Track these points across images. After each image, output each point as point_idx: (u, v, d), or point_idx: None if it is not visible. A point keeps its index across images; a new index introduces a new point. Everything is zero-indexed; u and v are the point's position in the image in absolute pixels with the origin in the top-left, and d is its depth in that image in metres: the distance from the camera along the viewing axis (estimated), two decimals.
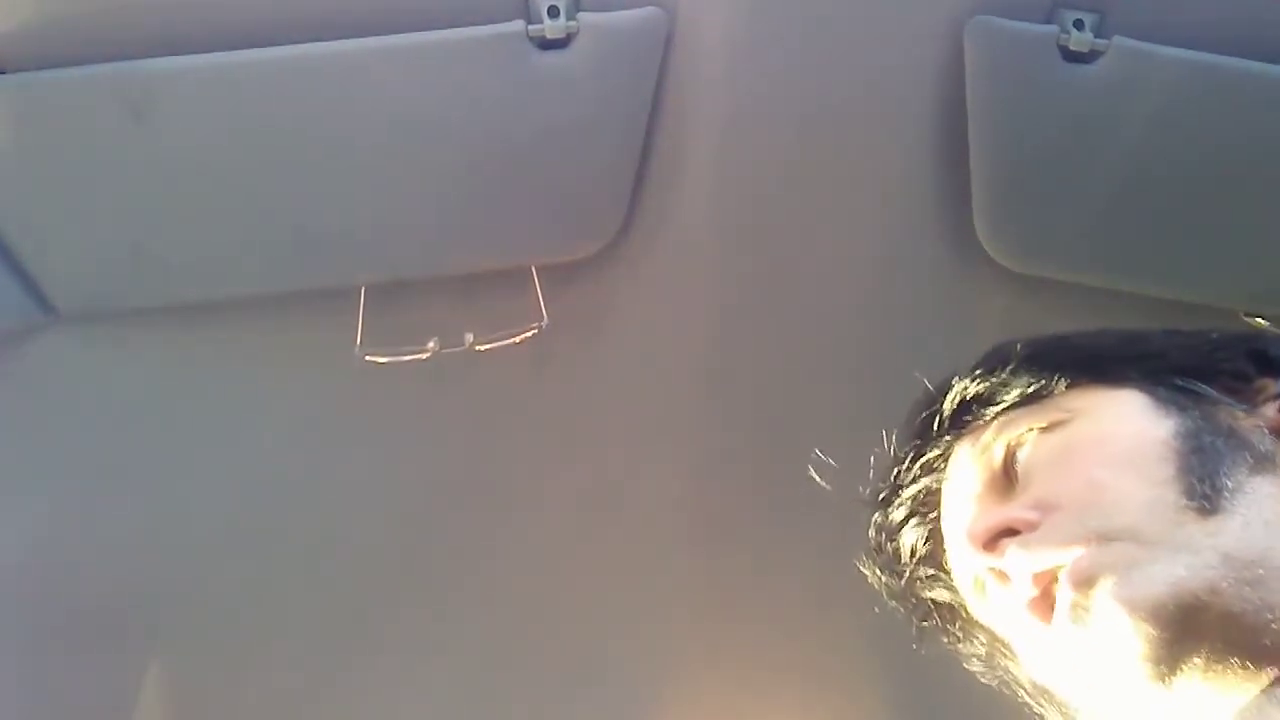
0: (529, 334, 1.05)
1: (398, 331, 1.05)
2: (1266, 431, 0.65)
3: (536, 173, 0.99)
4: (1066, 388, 0.70)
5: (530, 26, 0.92)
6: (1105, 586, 0.58)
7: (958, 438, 0.74)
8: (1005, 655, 0.75)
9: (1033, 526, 0.64)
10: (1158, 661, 0.57)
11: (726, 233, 1.08)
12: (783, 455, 0.98)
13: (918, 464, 0.77)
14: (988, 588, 0.68)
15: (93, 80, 0.90)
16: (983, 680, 0.78)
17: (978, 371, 0.75)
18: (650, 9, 0.94)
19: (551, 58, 0.93)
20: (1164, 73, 0.93)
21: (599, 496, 1.20)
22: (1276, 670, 0.56)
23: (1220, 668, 0.56)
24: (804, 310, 1.12)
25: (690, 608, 1.23)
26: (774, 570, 1.21)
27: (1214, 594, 0.56)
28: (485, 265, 1.06)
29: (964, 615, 0.76)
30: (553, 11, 0.92)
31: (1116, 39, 0.93)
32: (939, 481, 0.76)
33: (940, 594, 0.77)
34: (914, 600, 0.80)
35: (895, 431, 0.80)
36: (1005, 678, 0.76)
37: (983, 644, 0.76)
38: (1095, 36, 0.93)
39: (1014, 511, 0.65)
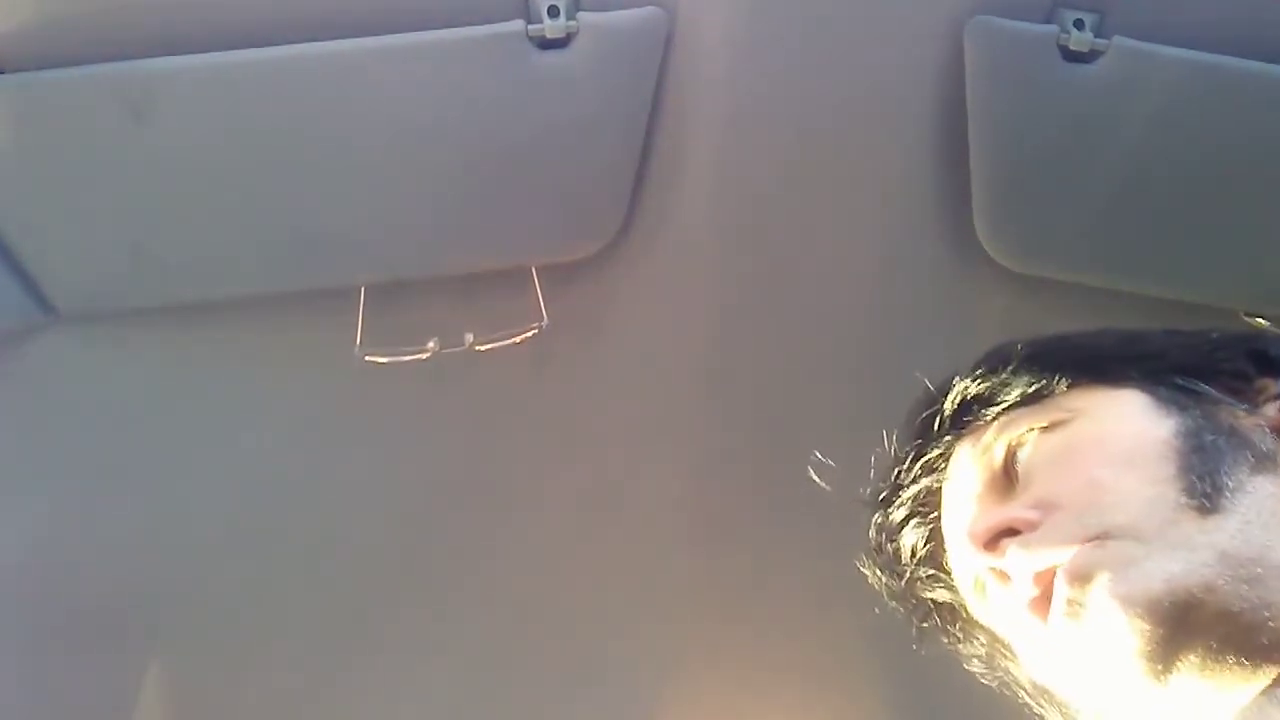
0: (529, 334, 1.05)
1: (398, 331, 1.05)
2: (1267, 431, 0.65)
3: (536, 173, 0.99)
4: (1067, 388, 0.70)
5: (530, 26, 0.92)
6: (1101, 583, 0.58)
7: (958, 438, 0.74)
8: (1006, 656, 0.75)
9: (1033, 526, 0.64)
10: (1153, 659, 0.57)
11: (726, 233, 1.08)
12: (783, 455, 0.98)
13: (918, 464, 0.77)
14: (988, 588, 0.68)
15: (93, 80, 0.90)
16: (983, 681, 0.78)
17: (978, 371, 0.75)
18: (650, 9, 0.94)
19: (551, 57, 0.93)
20: (1164, 73, 0.93)
21: (599, 496, 1.20)
22: (1276, 669, 0.56)
23: (1217, 665, 0.56)
24: (804, 310, 1.12)
25: (690, 608, 1.23)
26: (774, 570, 1.21)
27: (1210, 591, 0.56)
28: (485, 265, 1.06)
29: (964, 616, 0.76)
30: (553, 11, 0.92)
31: (1116, 39, 0.93)
32: (939, 481, 0.76)
33: (940, 594, 0.77)
34: (914, 600, 0.80)
35: (895, 431, 0.80)
36: (1005, 678, 0.76)
37: (983, 644, 0.76)
38: (1095, 36, 0.93)
39: (1015, 511, 0.65)
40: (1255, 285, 1.02)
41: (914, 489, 0.78)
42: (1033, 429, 0.69)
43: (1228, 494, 0.60)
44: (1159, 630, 0.56)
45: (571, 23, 0.93)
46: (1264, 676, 0.56)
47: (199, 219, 0.98)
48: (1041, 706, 0.74)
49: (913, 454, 0.78)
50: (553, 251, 1.06)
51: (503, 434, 1.16)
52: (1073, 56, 0.94)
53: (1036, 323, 0.79)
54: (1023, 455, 0.69)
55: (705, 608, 1.23)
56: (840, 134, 1.03)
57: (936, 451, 0.76)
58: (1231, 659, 0.56)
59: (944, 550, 0.75)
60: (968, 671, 0.79)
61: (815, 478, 0.88)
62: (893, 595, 0.81)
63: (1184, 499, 0.60)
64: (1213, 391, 0.67)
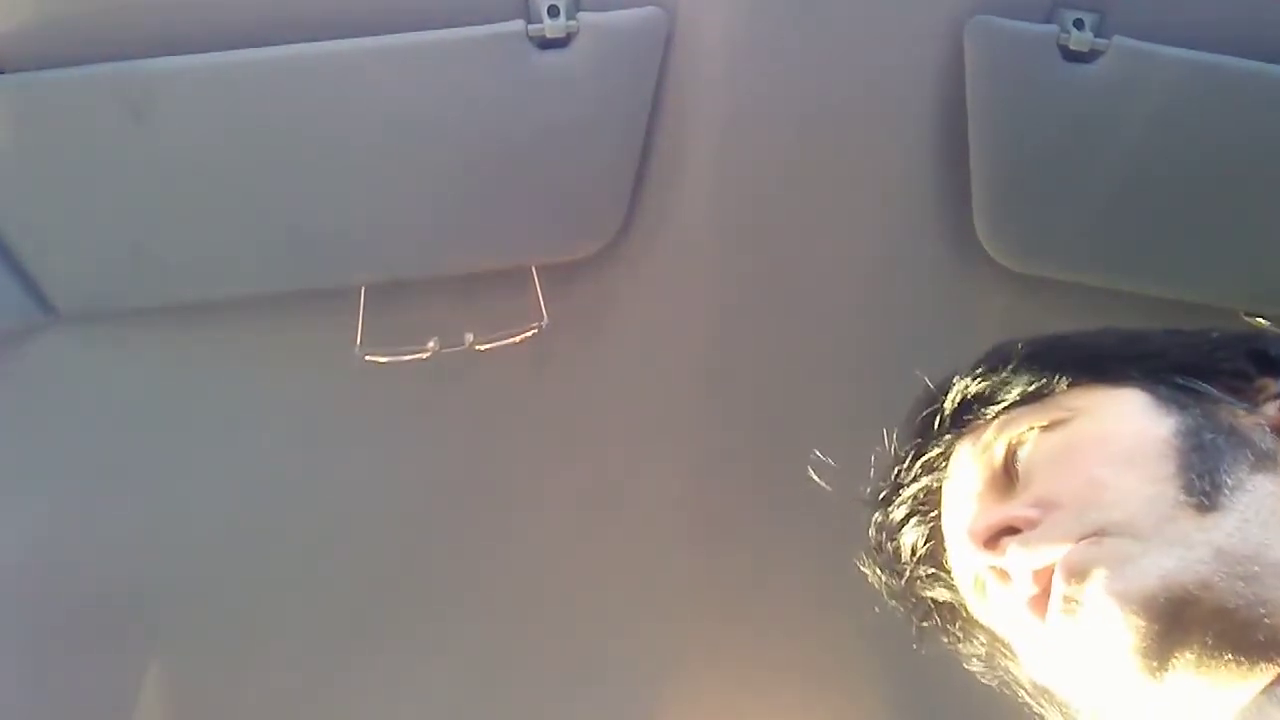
0: (529, 334, 1.05)
1: (398, 331, 1.05)
2: (1267, 430, 0.65)
3: (536, 173, 0.99)
4: (1068, 387, 0.70)
5: (530, 26, 0.92)
6: (1097, 579, 0.59)
7: (959, 436, 0.74)
8: (1005, 655, 0.75)
9: (1033, 524, 0.64)
10: (1149, 655, 0.57)
11: (726, 233, 1.08)
12: (783, 455, 0.98)
13: (918, 463, 0.77)
14: (988, 587, 0.68)
15: (93, 80, 0.90)
16: (983, 680, 0.78)
17: (979, 370, 0.75)
18: (650, 9, 0.94)
19: (551, 57, 0.93)
20: (1164, 73, 0.93)
21: (599, 496, 1.20)
22: (1272, 667, 0.56)
23: (1213, 662, 0.56)
24: (804, 310, 1.12)
25: (690, 608, 1.23)
26: (774, 570, 1.20)
27: (1206, 588, 0.56)
28: (485, 265, 1.06)
29: (964, 615, 0.76)
30: (553, 11, 0.92)
31: (1116, 39, 0.93)
32: (939, 480, 0.76)
33: (940, 593, 0.78)
34: (914, 600, 0.80)
35: (895, 430, 0.80)
36: (1005, 678, 0.76)
37: (983, 644, 0.76)
38: (1095, 36, 0.93)
39: (1015, 510, 0.65)
40: (1255, 285, 1.02)
41: (914, 488, 0.78)
42: (1033, 428, 0.69)
43: (1226, 492, 0.60)
44: (1154, 626, 0.57)
45: (571, 23, 0.93)
46: (1260, 674, 0.56)
47: (199, 219, 0.98)
48: (1041, 706, 0.74)
49: (913, 453, 0.78)
50: (553, 251, 1.06)
51: (503, 434, 1.16)
52: (1073, 56, 0.94)
53: (1036, 323, 0.79)
54: (1023, 454, 0.69)
55: (705, 608, 1.23)
56: (840, 134, 1.03)
57: (937, 450, 0.76)
58: (1227, 656, 0.56)
59: (944, 549, 0.75)
60: (968, 671, 0.79)
61: (815, 477, 0.88)
62: (893, 594, 0.81)
63: (1183, 497, 0.60)
64: (1213, 391, 0.67)
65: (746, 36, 0.98)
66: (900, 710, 1.23)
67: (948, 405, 0.75)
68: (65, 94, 0.91)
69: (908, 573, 0.79)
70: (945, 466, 0.75)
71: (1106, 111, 0.95)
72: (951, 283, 1.09)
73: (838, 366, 1.14)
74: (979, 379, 0.74)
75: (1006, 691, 0.77)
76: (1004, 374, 0.73)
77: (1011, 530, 0.65)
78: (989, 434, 0.71)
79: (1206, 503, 0.59)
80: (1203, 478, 0.61)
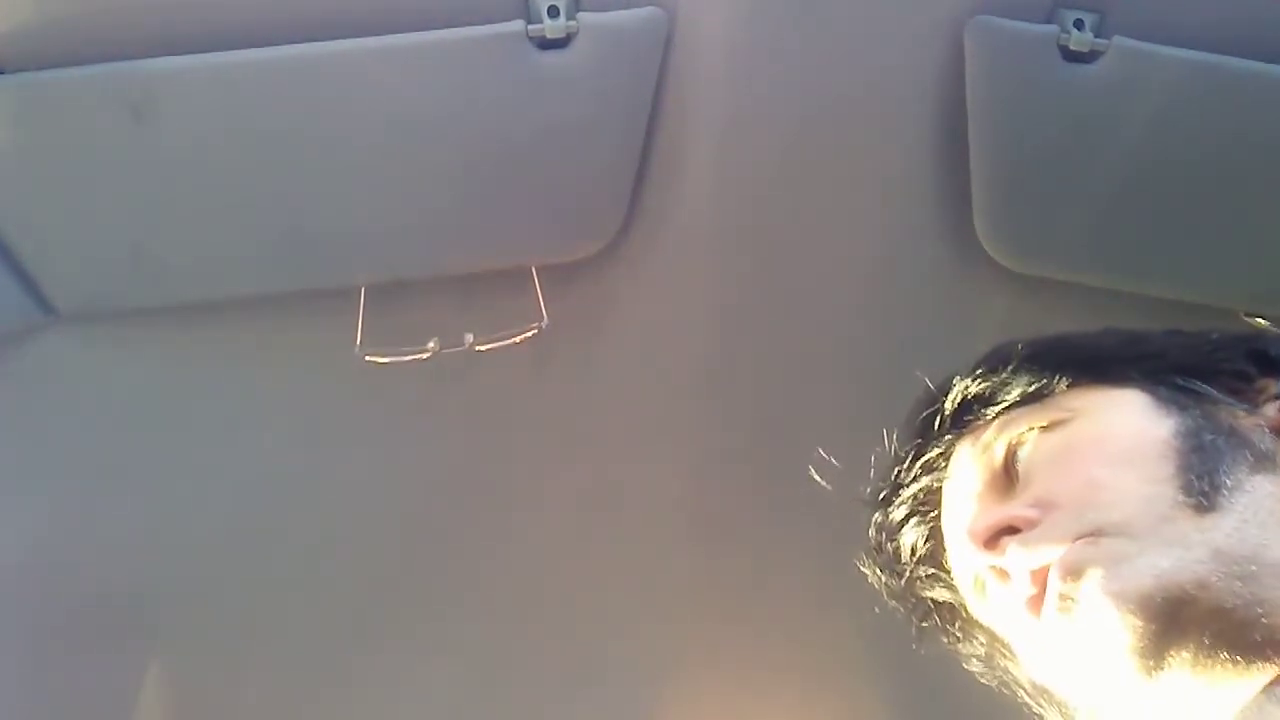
0: (529, 334, 1.05)
1: (398, 331, 1.05)
2: (1267, 431, 0.65)
3: (536, 173, 0.99)
4: (1067, 387, 0.70)
5: (530, 26, 0.92)
6: (1093, 578, 0.59)
7: (959, 437, 0.74)
8: (1005, 655, 0.75)
9: (1033, 524, 0.64)
10: (1145, 654, 0.57)
11: (726, 233, 1.08)
12: (783, 455, 0.98)
13: (918, 463, 0.77)
14: (988, 587, 0.68)
15: (93, 80, 0.90)
16: (983, 680, 0.78)
17: (979, 371, 0.75)
18: (650, 9, 0.94)
19: (551, 57, 0.93)
20: (1164, 73, 0.93)
21: (599, 496, 1.20)
22: (1269, 666, 0.56)
23: (1209, 662, 0.56)
24: (804, 310, 1.12)
25: (690, 608, 1.23)
26: (774, 570, 1.21)
27: (1202, 588, 0.56)
28: (485, 265, 1.06)
29: (964, 615, 0.76)
30: (553, 11, 0.92)
31: (1116, 39, 0.93)
32: (939, 480, 0.76)
33: (940, 593, 0.78)
34: (914, 600, 0.80)
35: (896, 431, 0.80)
36: (1005, 678, 0.76)
37: (983, 644, 0.76)
38: (1095, 36, 0.93)
39: (1014, 510, 0.65)
40: (1255, 285, 1.02)
41: (914, 488, 0.78)
42: (1033, 428, 0.69)
43: (1225, 492, 0.60)
44: (1150, 626, 0.57)
45: (571, 23, 0.93)
46: (1257, 673, 0.56)
47: (199, 219, 0.98)
48: (1041, 706, 0.74)
49: (913, 453, 0.78)
50: (553, 251, 1.06)
51: (503, 434, 1.16)
52: (1073, 56, 0.94)
53: (1036, 323, 0.79)
54: (1023, 454, 0.69)
55: (705, 608, 1.23)
56: (840, 134, 1.03)
57: (937, 450, 0.76)
58: (1224, 655, 0.56)
59: (944, 549, 0.75)
60: (968, 671, 0.79)
61: (815, 477, 0.88)
62: (892, 594, 0.81)
63: (1181, 497, 0.60)
64: (1213, 391, 0.67)
65: (746, 36, 0.98)
66: (900, 710, 1.23)
67: (948, 406, 0.75)
68: (65, 94, 0.91)
69: (908, 573, 0.79)
70: (945, 467, 0.75)
71: (1106, 112, 0.95)
72: (951, 283, 1.09)
73: (838, 366, 1.14)
74: (979, 379, 0.74)
75: (1006, 691, 0.77)
76: (1004, 374, 0.73)
77: (1011, 530, 0.65)
78: (989, 434, 0.71)
79: (1205, 503, 0.59)
80: (1202, 478, 0.61)
